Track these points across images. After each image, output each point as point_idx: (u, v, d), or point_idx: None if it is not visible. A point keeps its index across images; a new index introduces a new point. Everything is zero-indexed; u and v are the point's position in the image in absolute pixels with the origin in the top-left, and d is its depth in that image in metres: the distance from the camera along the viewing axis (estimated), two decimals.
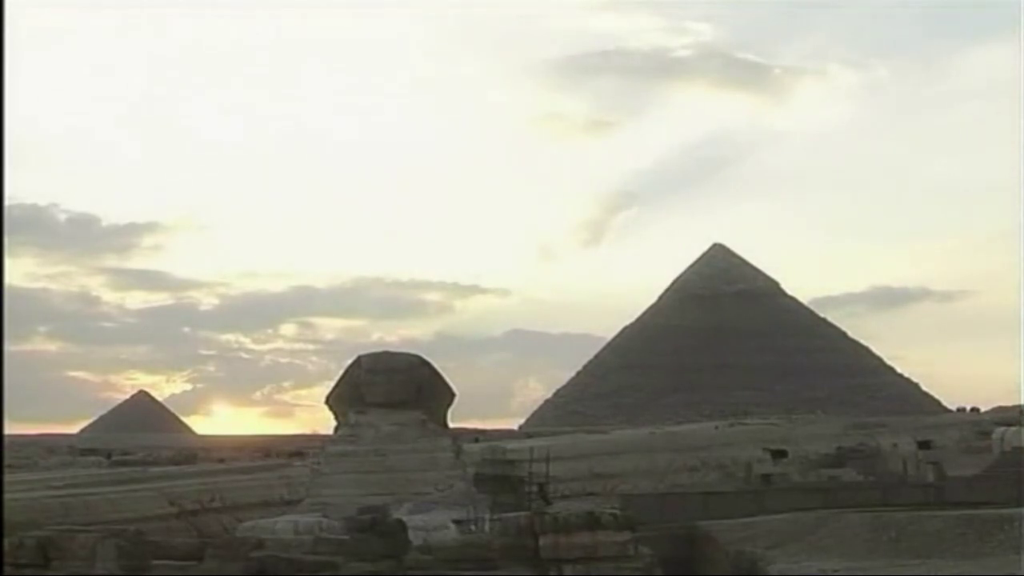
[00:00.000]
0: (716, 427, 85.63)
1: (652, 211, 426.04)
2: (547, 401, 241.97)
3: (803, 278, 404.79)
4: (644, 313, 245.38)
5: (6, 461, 69.44)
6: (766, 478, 60.87)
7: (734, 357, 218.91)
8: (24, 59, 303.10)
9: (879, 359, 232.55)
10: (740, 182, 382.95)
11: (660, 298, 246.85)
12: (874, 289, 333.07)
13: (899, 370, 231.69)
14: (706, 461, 64.53)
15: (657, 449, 65.15)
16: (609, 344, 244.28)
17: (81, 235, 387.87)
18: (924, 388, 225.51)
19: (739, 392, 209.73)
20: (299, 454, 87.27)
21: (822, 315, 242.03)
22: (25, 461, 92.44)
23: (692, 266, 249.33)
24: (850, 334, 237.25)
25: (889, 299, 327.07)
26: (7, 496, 42.54)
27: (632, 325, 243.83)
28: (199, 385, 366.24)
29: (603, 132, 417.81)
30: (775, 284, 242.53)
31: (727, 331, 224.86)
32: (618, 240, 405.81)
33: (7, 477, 53.77)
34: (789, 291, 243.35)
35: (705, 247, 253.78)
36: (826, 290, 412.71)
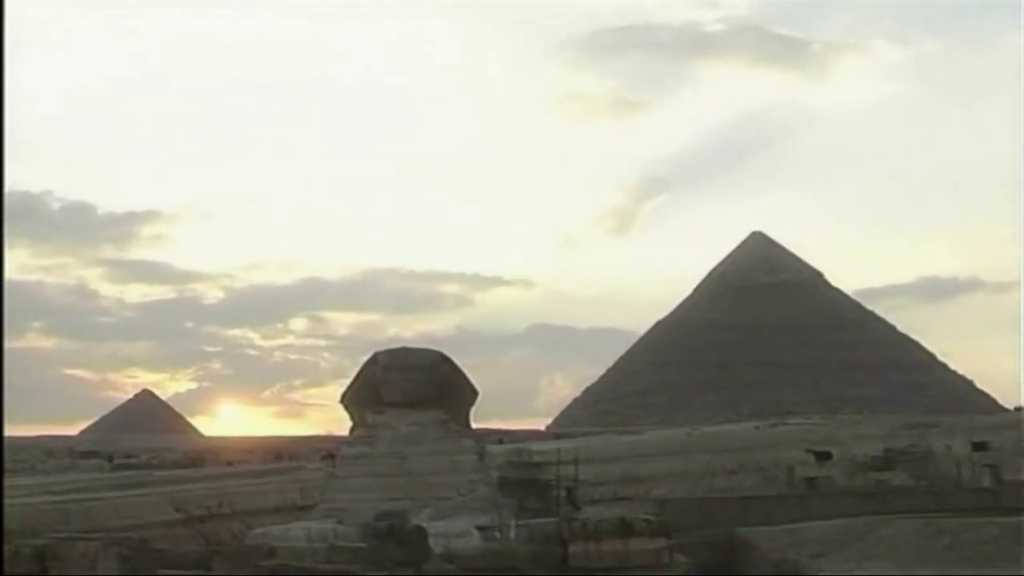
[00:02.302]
0: (756, 427, 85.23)
1: (684, 197, 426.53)
2: (575, 400, 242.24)
3: (846, 268, 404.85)
4: (678, 306, 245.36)
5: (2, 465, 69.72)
6: (810, 482, 60.59)
7: (775, 352, 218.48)
8: (17, 42, 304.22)
9: (930, 354, 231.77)
10: (778, 166, 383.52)
11: (695, 290, 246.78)
12: (921, 280, 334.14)
13: (951, 366, 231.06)
14: (745, 464, 64.18)
15: (693, 451, 64.81)
16: (641, 339, 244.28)
17: (76, 224, 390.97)
18: (978, 385, 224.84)
19: (781, 390, 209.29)
20: (332, 456, 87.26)
21: (868, 308, 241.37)
22: (22, 465, 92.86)
23: (729, 256, 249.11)
24: (899, 328, 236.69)
25: (938, 290, 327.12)
26: (4, 502, 42.65)
27: (666, 319, 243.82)
28: (204, 384, 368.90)
29: (630, 113, 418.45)
30: (818, 275, 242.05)
31: (767, 325, 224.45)
32: (648, 228, 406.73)
33: (4, 482, 53.92)
34: (833, 282, 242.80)
35: (742, 235, 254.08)
36: (870, 281, 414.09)
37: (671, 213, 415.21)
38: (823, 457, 66.46)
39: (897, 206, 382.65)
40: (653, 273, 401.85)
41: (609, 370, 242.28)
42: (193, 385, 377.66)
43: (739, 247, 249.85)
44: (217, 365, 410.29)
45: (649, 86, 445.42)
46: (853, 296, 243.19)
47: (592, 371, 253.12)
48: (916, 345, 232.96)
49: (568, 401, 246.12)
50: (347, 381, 51.11)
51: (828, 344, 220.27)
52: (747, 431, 76.43)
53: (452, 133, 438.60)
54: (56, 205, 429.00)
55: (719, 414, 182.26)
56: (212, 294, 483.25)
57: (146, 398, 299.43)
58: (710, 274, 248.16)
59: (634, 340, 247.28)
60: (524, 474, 56.97)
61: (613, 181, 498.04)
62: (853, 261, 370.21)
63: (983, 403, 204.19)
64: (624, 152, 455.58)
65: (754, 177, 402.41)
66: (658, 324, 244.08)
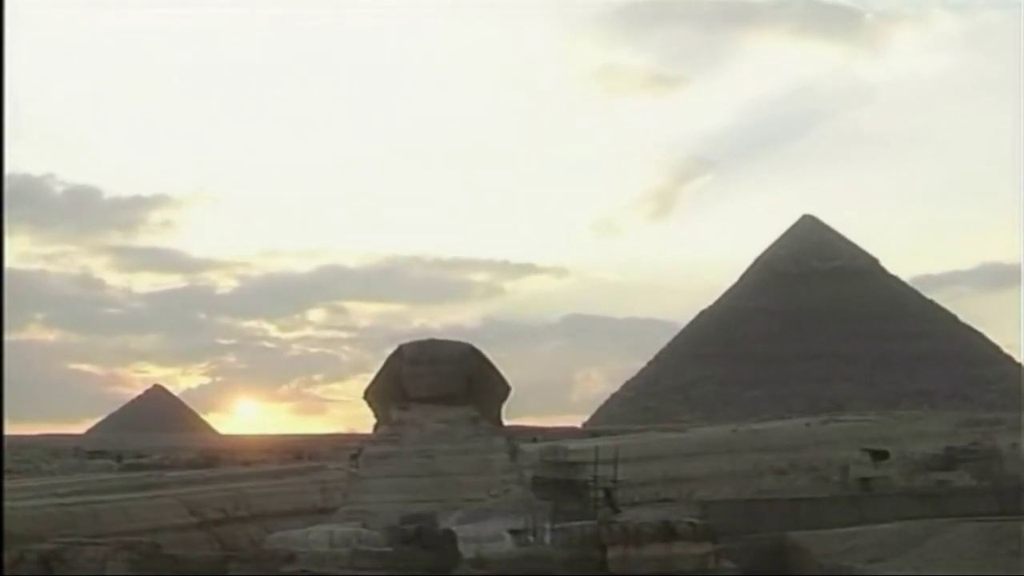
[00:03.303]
0: (807, 424, 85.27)
1: (728, 178, 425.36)
2: (613, 395, 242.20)
3: (903, 254, 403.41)
4: (723, 295, 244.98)
5: (5, 465, 70.13)
6: (865, 482, 60.47)
7: (827, 344, 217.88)
8: (20, 19, 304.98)
9: (994, 346, 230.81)
10: (829, 144, 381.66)
11: (742, 277, 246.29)
12: (984, 266, 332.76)
13: (1016, 359, 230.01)
14: (796, 463, 64.26)
15: (740, 449, 64.97)
16: (683, 330, 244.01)
17: (81, 210, 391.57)
18: None
19: (833, 384, 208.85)
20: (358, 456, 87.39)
21: (927, 296, 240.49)
22: (26, 465, 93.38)
23: (778, 241, 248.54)
24: (960, 318, 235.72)
25: (1001, 277, 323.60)
26: (6, 505, 42.87)
27: (710, 308, 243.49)
28: (218, 378, 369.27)
29: (670, 89, 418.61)
30: (873, 261, 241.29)
31: (819, 314, 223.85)
32: (690, 211, 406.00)
33: (6, 483, 54.25)
34: (889, 269, 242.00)
35: (791, 219, 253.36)
36: (929, 267, 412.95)
37: (714, 195, 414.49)
38: (879, 456, 66.34)
39: (957, 187, 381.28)
40: (695, 259, 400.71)
41: (649, 363, 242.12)
42: (206, 380, 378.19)
43: (788, 231, 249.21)
44: (231, 359, 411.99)
45: (689, 60, 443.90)
46: (911, 284, 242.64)
47: (631, 364, 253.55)
48: (979, 336, 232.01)
49: (605, 396, 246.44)
50: (370, 375, 51.32)
51: (884, 335, 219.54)
52: (797, 428, 76.46)
53: (480, 112, 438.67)
54: (59, 189, 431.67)
55: (767, 410, 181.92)
56: (225, 283, 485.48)
57: (157, 394, 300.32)
58: (757, 260, 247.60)
59: (676, 331, 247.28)
60: (559, 474, 56.89)
61: (652, 161, 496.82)
62: (911, 246, 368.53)
63: None
64: (663, 130, 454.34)
65: (804, 157, 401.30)
66: (701, 314, 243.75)
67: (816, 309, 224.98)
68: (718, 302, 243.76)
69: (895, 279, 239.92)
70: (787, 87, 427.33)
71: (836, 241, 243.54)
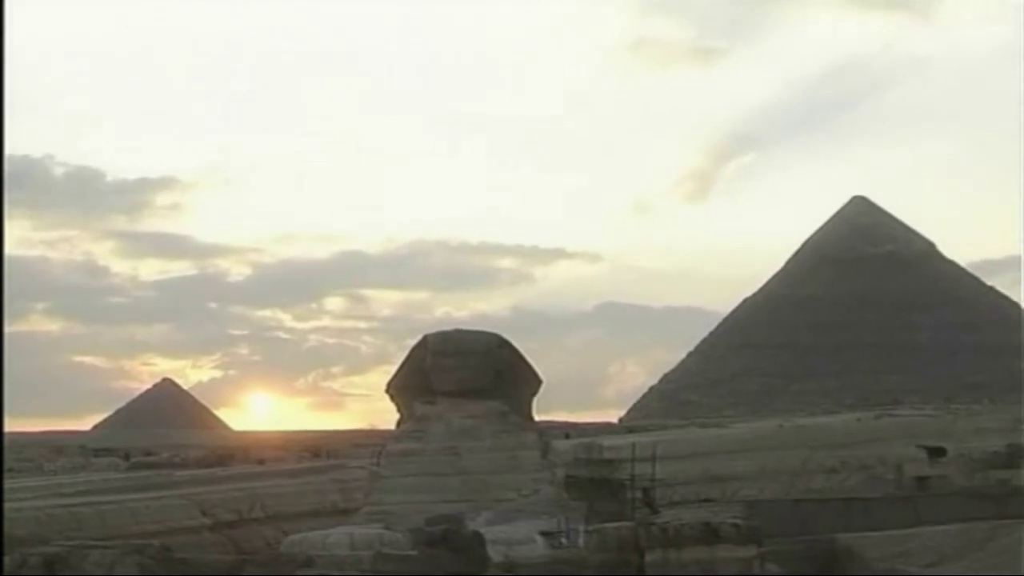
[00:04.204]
0: (859, 419, 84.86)
1: (772, 157, 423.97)
2: (651, 388, 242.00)
3: (961, 237, 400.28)
4: (768, 282, 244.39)
5: (6, 464, 70.47)
6: (921, 481, 60.35)
7: (880, 334, 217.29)
8: None
9: None
10: (880, 121, 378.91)
11: (788, 263, 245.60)
12: None
13: None
14: (847, 461, 64.01)
15: (787, 446, 64.72)
16: (726, 319, 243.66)
17: (83, 192, 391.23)
18: None
19: (887, 376, 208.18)
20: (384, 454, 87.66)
21: (987, 282, 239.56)
22: (28, 464, 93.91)
23: (827, 224, 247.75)
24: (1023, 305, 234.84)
25: None
26: (8, 506, 43.13)
27: (754, 296, 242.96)
28: (231, 371, 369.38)
29: (709, 62, 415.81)
30: (930, 245, 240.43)
31: (871, 302, 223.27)
32: (731, 193, 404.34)
33: (7, 483, 54.56)
34: (946, 253, 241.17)
35: (841, 200, 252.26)
36: (989, 252, 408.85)
37: (757, 175, 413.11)
38: (936, 453, 66.19)
39: (1020, 165, 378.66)
40: (737, 244, 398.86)
41: (689, 354, 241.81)
42: (218, 373, 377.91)
43: (837, 214, 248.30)
44: (244, 350, 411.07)
45: (730, 31, 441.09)
46: (969, 269, 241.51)
47: (670, 356, 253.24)
48: None
49: (643, 390, 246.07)
50: (392, 368, 51.56)
51: (941, 324, 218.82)
52: (848, 423, 76.18)
53: (507, 87, 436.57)
54: (59, 171, 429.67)
55: (816, 404, 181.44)
56: (237, 270, 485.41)
57: (166, 388, 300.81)
58: (804, 245, 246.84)
59: (717, 320, 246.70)
60: (594, 472, 57.10)
61: (690, 139, 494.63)
62: (970, 229, 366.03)
63: None
64: (702, 106, 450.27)
65: (853, 134, 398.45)
66: (745, 302, 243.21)
67: (868, 297, 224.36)
68: (762, 290, 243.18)
69: (953, 264, 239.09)
70: (835, 59, 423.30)
71: (889, 224, 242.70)
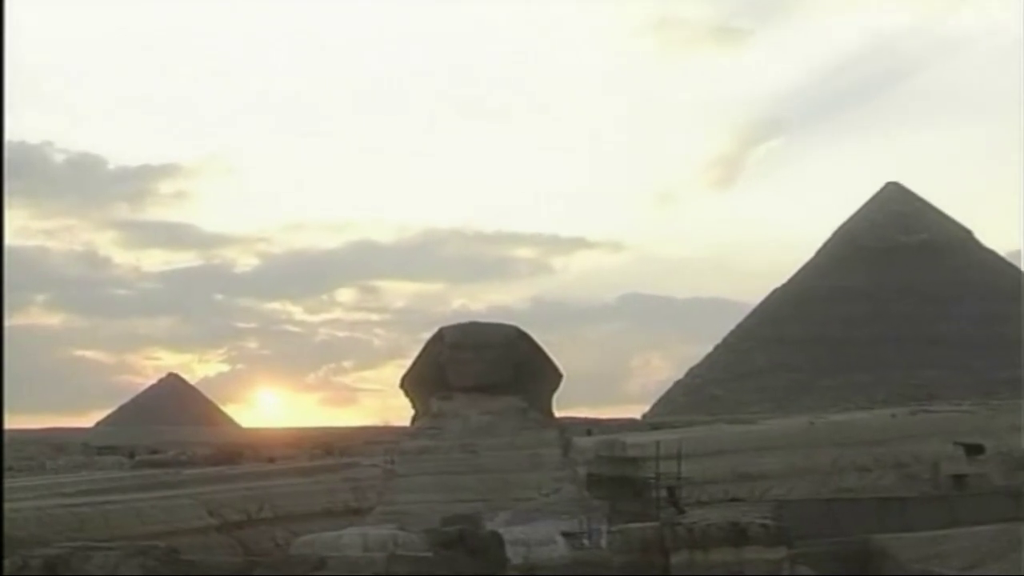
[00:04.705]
0: (893, 415, 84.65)
1: (801, 142, 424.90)
2: (676, 383, 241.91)
3: (999, 225, 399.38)
4: (798, 272, 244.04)
5: (6, 463, 70.65)
6: (958, 480, 60.29)
7: (915, 326, 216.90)
8: None
9: None
10: (914, 103, 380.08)
11: (818, 253, 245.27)
12: None
13: None
14: (880, 459, 63.89)
15: (818, 443, 64.60)
16: (754, 311, 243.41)
17: (83, 180, 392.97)
18: None
19: (922, 370, 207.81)
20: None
21: None
22: (28, 462, 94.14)
23: (859, 212, 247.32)
24: None
25: None
26: (8, 506, 43.27)
27: (783, 287, 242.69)
28: (238, 366, 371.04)
29: (734, 43, 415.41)
30: (967, 233, 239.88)
31: (906, 293, 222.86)
32: (759, 179, 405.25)
33: (7, 482, 54.72)
34: (984, 241, 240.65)
35: (874, 187, 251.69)
36: None
37: (786, 161, 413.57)
38: (974, 451, 66.03)
39: None
40: (766, 232, 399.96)
41: (716, 348, 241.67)
42: (225, 368, 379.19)
43: (870, 201, 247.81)
44: (253, 344, 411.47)
45: (756, 10, 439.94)
46: (1008, 258, 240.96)
47: (695, 349, 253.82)
48: None
49: (668, 385, 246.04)
50: (406, 362, 51.57)
51: (979, 316, 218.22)
52: (882, 420, 75.91)
53: (524, 70, 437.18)
54: (59, 158, 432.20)
55: (848, 399, 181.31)
56: (245, 261, 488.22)
57: (171, 383, 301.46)
58: (835, 233, 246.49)
59: (745, 312, 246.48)
60: (617, 471, 57.09)
61: (716, 124, 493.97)
62: (1008, 216, 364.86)
63: None
64: (728, 89, 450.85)
65: (886, 117, 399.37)
66: (774, 293, 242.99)
67: (902, 287, 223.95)
68: (792, 280, 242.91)
69: (991, 253, 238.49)
70: (866, 40, 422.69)
71: (924, 211, 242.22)
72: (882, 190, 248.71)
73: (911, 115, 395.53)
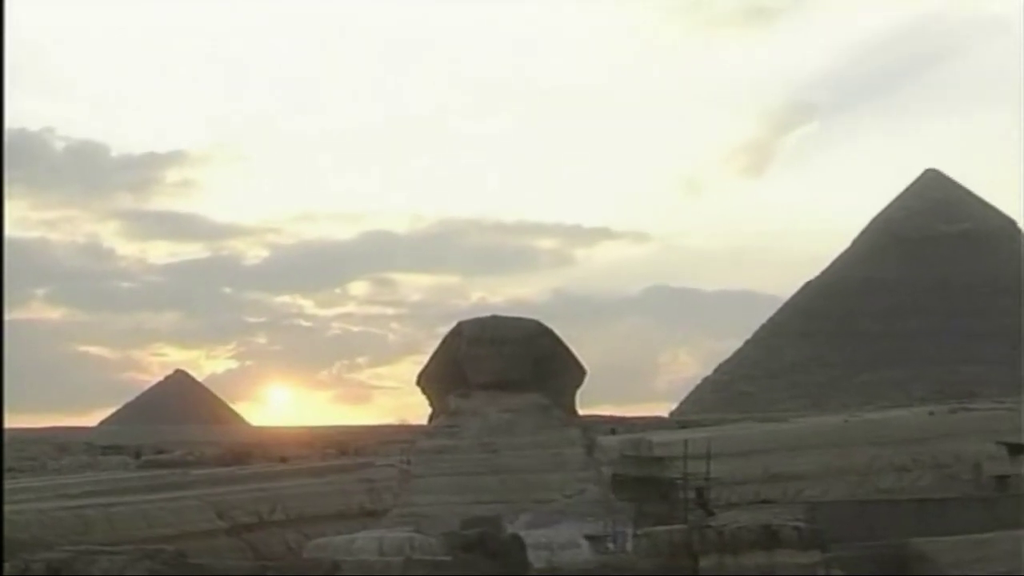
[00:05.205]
0: (932, 413, 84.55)
1: (835, 127, 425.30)
2: (705, 380, 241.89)
3: None
4: (832, 263, 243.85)
5: (7, 463, 70.88)
6: (1001, 480, 60.22)
7: (956, 320, 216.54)
8: None
9: None
10: (955, 86, 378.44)
11: (854, 243, 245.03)
12: None
13: None
14: (919, 458, 63.85)
15: (853, 442, 64.55)
16: (787, 304, 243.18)
17: (85, 169, 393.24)
18: None
19: (963, 367, 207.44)
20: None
21: None
22: (30, 463, 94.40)
23: (897, 200, 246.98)
24: None
25: None
26: (8, 508, 43.41)
27: (816, 279, 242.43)
28: (248, 362, 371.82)
29: (764, 23, 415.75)
30: (1010, 222, 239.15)
31: (946, 285, 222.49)
32: (791, 166, 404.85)
33: (8, 483, 54.89)
34: None
35: (913, 174, 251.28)
36: None
37: (820, 146, 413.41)
38: (1017, 450, 65.96)
39: None
40: (798, 222, 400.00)
41: (746, 343, 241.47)
42: (234, 364, 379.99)
43: (908, 189, 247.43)
44: (263, 339, 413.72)
45: None
46: None
47: (724, 344, 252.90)
48: None
49: (696, 381, 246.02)
50: (422, 358, 51.66)
51: (1022, 309, 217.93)
52: (921, 417, 75.85)
53: (544, 52, 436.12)
54: (60, 145, 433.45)
55: (885, 397, 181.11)
56: (254, 253, 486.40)
57: (178, 380, 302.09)
58: (872, 223, 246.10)
59: (777, 305, 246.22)
60: (643, 471, 57.11)
61: (746, 108, 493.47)
62: None
63: None
64: (759, 72, 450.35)
65: (925, 100, 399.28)
66: (807, 285, 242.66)
67: (942, 279, 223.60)
68: (826, 272, 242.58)
69: None
70: (902, 20, 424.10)
71: (966, 199, 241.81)
72: (921, 177, 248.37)
73: (951, 98, 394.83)
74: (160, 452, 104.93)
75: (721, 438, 61.33)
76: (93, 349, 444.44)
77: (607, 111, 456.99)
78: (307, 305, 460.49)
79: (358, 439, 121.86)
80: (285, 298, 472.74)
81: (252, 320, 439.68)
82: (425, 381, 50.05)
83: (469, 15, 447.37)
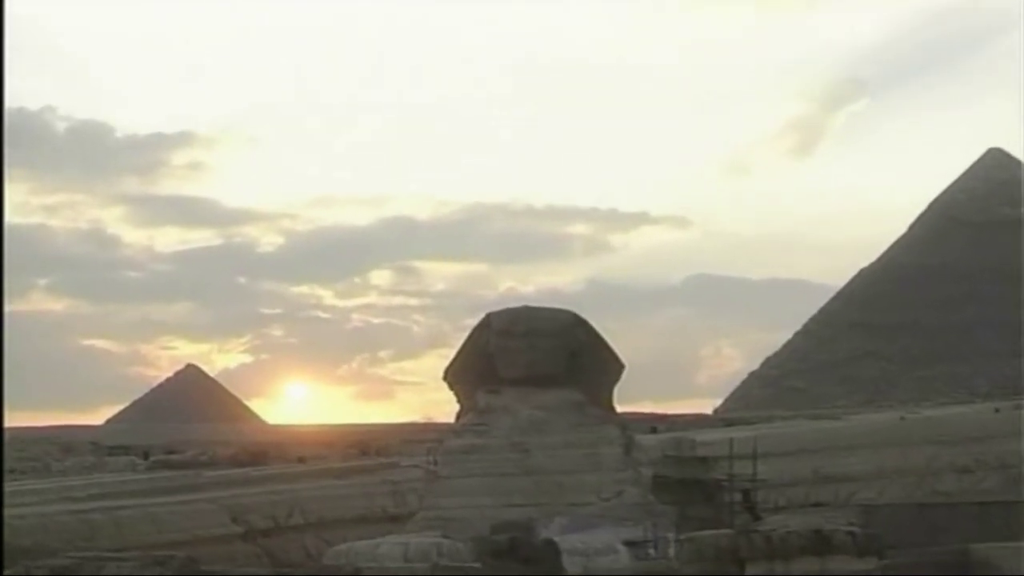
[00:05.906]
0: (996, 410, 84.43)
1: (889, 103, 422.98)
2: (751, 374, 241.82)
3: None
4: (888, 249, 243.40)
5: (7, 464, 71.12)
6: None
7: (1020, 310, 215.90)
8: None
9: None
10: (1015, 60, 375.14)
11: (911, 228, 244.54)
12: None
13: None
14: (982, 458, 63.74)
15: (911, 441, 64.46)
16: (839, 294, 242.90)
17: (89, 151, 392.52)
18: None
19: None
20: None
21: None
22: (33, 464, 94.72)
23: (957, 182, 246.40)
24: None
25: None
26: (9, 512, 43.59)
27: (871, 267, 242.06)
28: (263, 356, 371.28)
29: None
30: None
31: (1009, 273, 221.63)
32: (841, 146, 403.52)
33: (9, 486, 55.06)
34: None
35: (974, 154, 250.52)
36: None
37: (871, 125, 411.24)
38: None
39: None
40: (851, 205, 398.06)
41: (796, 335, 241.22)
42: (248, 358, 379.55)
43: (969, 170, 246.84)
44: (278, 332, 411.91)
45: None
46: None
47: (772, 337, 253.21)
48: None
49: (741, 376, 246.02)
50: (449, 351, 51.81)
51: None
52: (984, 414, 75.77)
53: (580, 28, 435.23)
54: (61, 126, 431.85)
55: (945, 392, 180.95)
56: (268, 239, 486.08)
57: (189, 376, 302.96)
58: (930, 206, 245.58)
59: (829, 295, 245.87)
60: (686, 472, 57.08)
61: (792, 85, 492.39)
62: None
63: None
64: (806, 46, 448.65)
65: (985, 75, 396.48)
66: (861, 273, 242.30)
67: (1005, 266, 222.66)
68: (881, 259, 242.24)
69: None
70: None
71: None
72: (983, 157, 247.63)
73: (1014, 73, 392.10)
74: (170, 452, 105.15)
75: (769, 437, 61.34)
76: (98, 343, 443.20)
77: (645, 88, 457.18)
78: (325, 295, 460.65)
79: (381, 438, 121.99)
80: (302, 288, 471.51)
81: (267, 311, 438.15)
82: (452, 376, 50.10)
83: None
